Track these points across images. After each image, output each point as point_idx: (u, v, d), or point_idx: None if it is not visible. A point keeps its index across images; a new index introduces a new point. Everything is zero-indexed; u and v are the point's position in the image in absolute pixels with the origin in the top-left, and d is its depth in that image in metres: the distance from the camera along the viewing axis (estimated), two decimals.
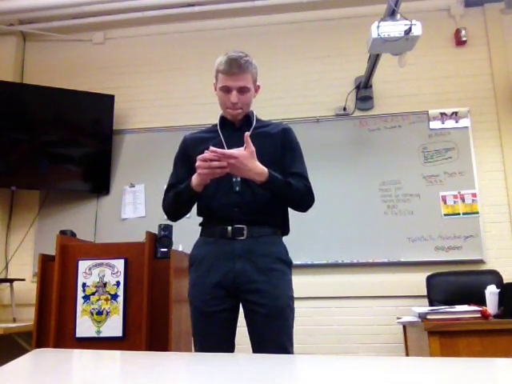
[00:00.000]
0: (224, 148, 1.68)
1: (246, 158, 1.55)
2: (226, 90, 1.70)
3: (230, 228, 1.65)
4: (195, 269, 1.70)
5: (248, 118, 1.79)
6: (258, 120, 1.82)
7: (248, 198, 1.67)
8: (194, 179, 1.62)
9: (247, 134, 1.57)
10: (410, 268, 3.38)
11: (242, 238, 1.65)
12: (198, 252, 1.71)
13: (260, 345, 1.62)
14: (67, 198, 3.83)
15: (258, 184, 1.61)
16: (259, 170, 1.59)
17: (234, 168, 1.54)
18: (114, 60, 4.11)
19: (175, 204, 1.74)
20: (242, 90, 1.70)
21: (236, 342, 1.68)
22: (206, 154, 1.54)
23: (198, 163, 1.55)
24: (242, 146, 1.58)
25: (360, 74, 3.68)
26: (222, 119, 1.80)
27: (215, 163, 1.52)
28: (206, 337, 1.64)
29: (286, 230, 1.79)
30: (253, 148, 1.56)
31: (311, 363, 0.90)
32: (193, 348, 1.70)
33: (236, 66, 1.67)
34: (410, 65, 3.40)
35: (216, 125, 1.82)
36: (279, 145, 1.75)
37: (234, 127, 1.78)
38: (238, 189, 1.68)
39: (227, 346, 1.64)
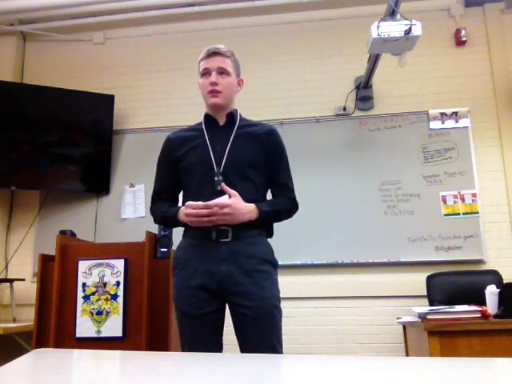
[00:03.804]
0: (208, 147, 1.71)
1: (237, 203, 1.59)
2: (206, 72, 1.74)
3: (214, 230, 1.64)
4: (179, 272, 1.68)
5: (232, 117, 1.78)
6: (242, 119, 1.80)
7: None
8: (182, 216, 1.63)
9: (223, 185, 1.61)
10: (410, 268, 3.38)
11: (226, 239, 1.63)
12: (182, 255, 1.70)
13: (249, 346, 1.60)
14: (67, 198, 3.83)
15: (251, 221, 1.63)
16: (249, 209, 1.62)
17: (228, 216, 1.57)
18: (114, 60, 4.11)
19: (163, 224, 1.88)
20: (222, 72, 1.72)
21: (225, 343, 1.67)
22: (194, 204, 1.56)
23: (186, 210, 1.58)
24: (226, 143, 1.64)
25: (360, 74, 3.68)
26: (207, 117, 1.80)
27: (204, 211, 1.55)
28: (193, 339, 1.63)
29: (270, 232, 1.78)
30: (235, 192, 1.60)
31: (311, 363, 0.89)
32: (181, 350, 1.69)
33: (214, 49, 1.72)
34: (410, 65, 3.40)
35: (200, 123, 1.81)
36: (263, 147, 1.73)
37: (217, 125, 1.77)
38: (219, 188, 1.65)
39: (215, 347, 1.63)
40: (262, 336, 1.59)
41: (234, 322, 1.64)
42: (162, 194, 1.81)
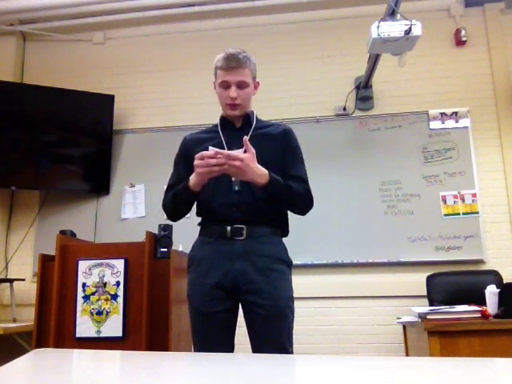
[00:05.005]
0: (224, 148, 1.68)
1: (251, 160, 1.54)
2: (225, 85, 1.70)
3: (229, 228, 1.65)
4: (194, 269, 1.69)
5: (248, 118, 1.78)
6: (258, 120, 1.81)
7: (247, 197, 1.66)
8: (192, 179, 1.61)
9: (246, 138, 1.57)
10: (410, 268, 3.38)
11: (241, 238, 1.64)
12: (197, 252, 1.71)
13: (260, 345, 1.61)
14: (67, 198, 3.83)
15: (259, 186, 1.60)
16: (261, 171, 1.58)
17: (238, 170, 1.53)
18: (114, 60, 4.11)
19: (174, 204, 1.74)
20: (241, 85, 1.70)
21: (236, 342, 1.68)
22: (205, 152, 1.53)
23: (196, 161, 1.54)
24: (242, 146, 1.57)
25: (360, 74, 3.68)
26: (222, 119, 1.80)
27: (213, 161, 1.51)
28: (206, 337, 1.63)
29: (285, 231, 1.78)
30: (253, 150, 1.56)
31: (311, 363, 0.90)
32: (192, 348, 1.70)
33: (234, 61, 1.67)
34: (410, 65, 3.40)
35: (216, 125, 1.81)
36: (280, 146, 1.74)
37: (234, 127, 1.77)
38: (237, 188, 1.67)
39: (226, 346, 1.64)
40: (272, 335, 1.59)
41: (246, 321, 1.64)
42: (175, 187, 1.75)
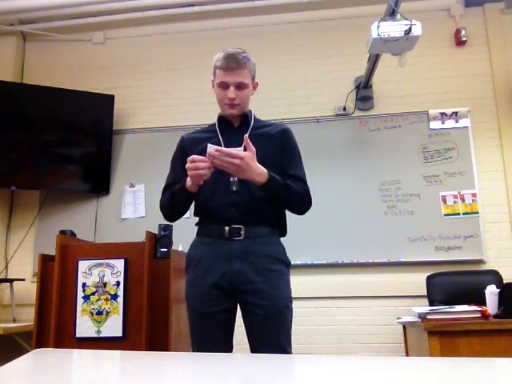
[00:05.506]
0: None
1: (251, 159, 1.54)
2: (224, 85, 1.69)
3: (227, 228, 1.64)
4: (192, 269, 1.69)
5: (246, 118, 1.78)
6: (256, 120, 1.80)
7: (245, 197, 1.66)
8: (189, 180, 1.61)
9: (246, 135, 1.56)
10: (410, 268, 3.38)
11: (239, 238, 1.64)
12: (195, 252, 1.70)
13: (258, 346, 1.61)
14: (67, 198, 3.83)
15: (258, 185, 1.60)
16: (260, 170, 1.58)
17: (238, 169, 1.52)
18: (114, 60, 4.11)
19: (171, 205, 1.73)
20: (240, 86, 1.69)
21: (235, 342, 1.67)
22: (195, 156, 1.53)
23: (187, 165, 1.54)
24: (241, 145, 1.57)
25: (360, 74, 3.68)
26: (220, 119, 1.79)
27: (202, 164, 1.51)
28: (204, 337, 1.63)
29: (283, 231, 1.78)
30: (254, 149, 1.56)
31: (311, 363, 0.90)
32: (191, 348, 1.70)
33: (234, 62, 1.66)
34: (410, 65, 3.40)
35: (214, 124, 1.80)
36: (278, 146, 1.74)
37: (232, 127, 1.77)
38: (235, 188, 1.66)
39: (225, 346, 1.64)
40: (271, 336, 1.59)
41: (244, 321, 1.64)
42: (172, 187, 1.75)
